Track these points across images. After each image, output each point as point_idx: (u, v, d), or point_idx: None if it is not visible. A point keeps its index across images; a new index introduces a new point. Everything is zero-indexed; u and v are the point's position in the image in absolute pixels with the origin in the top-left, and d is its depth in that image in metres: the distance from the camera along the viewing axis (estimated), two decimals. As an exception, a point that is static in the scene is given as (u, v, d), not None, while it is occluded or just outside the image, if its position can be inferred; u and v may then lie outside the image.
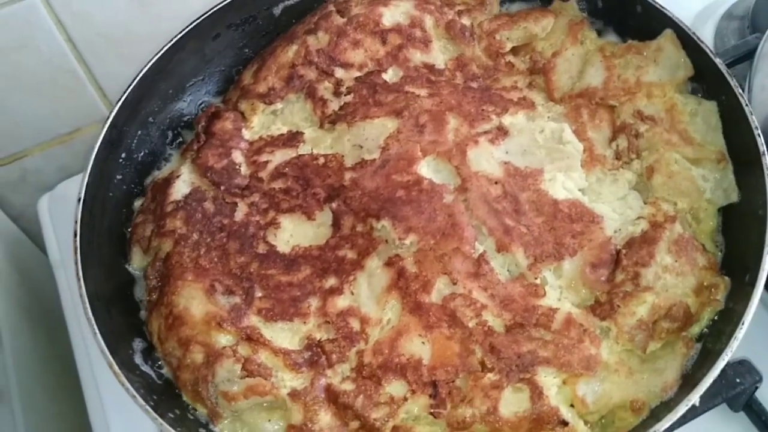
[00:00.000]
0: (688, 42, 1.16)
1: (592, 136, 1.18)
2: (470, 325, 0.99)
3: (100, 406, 1.17)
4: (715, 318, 0.99)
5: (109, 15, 1.33)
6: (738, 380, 1.00)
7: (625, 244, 1.05)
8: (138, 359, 1.01)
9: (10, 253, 1.36)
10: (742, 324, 0.91)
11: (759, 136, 1.04)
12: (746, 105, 1.06)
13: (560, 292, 1.03)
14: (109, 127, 1.12)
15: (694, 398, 0.88)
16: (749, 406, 1.07)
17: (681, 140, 1.13)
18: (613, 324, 0.98)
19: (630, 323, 0.98)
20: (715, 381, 0.89)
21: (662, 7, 1.19)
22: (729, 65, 1.20)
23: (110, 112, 1.13)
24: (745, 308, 0.93)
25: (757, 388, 1.03)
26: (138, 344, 1.03)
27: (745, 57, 1.29)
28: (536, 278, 1.03)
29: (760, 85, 1.19)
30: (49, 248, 1.36)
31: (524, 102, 1.22)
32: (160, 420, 0.87)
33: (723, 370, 0.90)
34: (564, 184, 1.12)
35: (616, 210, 1.10)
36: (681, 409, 0.87)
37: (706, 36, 1.50)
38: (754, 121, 1.04)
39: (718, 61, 1.11)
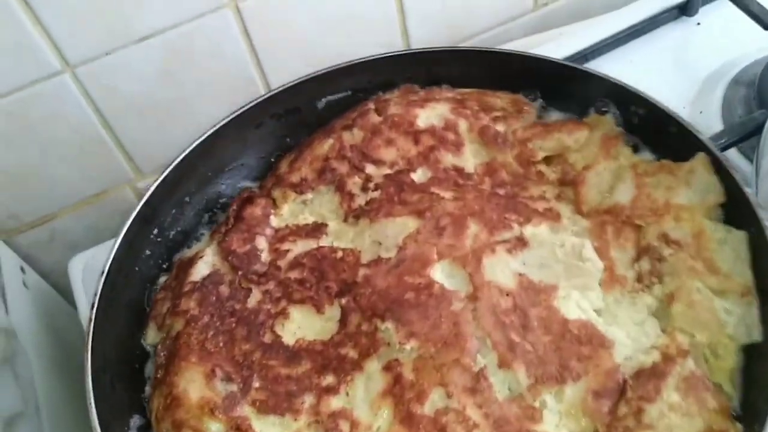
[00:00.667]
0: (718, 167, 1.09)
1: (614, 256, 1.10)
2: (459, 443, 0.92)
3: None
4: (726, 467, 0.88)
5: (135, 85, 1.37)
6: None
7: (633, 374, 0.96)
8: (133, 434, 0.98)
9: (42, 309, 1.38)
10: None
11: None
12: (774, 241, 0.98)
13: (559, 418, 0.95)
14: (144, 204, 1.13)
15: None
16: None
17: (706, 269, 1.04)
18: (610, 461, 0.89)
19: (628, 463, 0.89)
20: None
21: (695, 130, 1.12)
22: (736, 143, 1.14)
23: (147, 191, 1.14)
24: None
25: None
26: (136, 421, 1.00)
27: (751, 134, 1.22)
28: (535, 401, 0.95)
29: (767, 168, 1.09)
30: (79, 306, 1.36)
31: (550, 213, 1.16)
32: None
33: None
34: (579, 303, 1.05)
35: (631, 335, 1.01)
36: None
37: (714, 103, 1.43)
38: (779, 259, 0.95)
39: (747, 191, 1.03)
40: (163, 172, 1.17)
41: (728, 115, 1.41)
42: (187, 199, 1.23)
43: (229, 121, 1.24)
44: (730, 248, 1.05)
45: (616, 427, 0.91)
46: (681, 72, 1.15)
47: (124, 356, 1.06)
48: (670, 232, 1.08)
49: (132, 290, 1.12)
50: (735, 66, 1.50)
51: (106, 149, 1.43)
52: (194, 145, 1.20)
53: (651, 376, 0.94)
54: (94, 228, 1.52)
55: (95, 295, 1.03)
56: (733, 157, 1.36)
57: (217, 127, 1.23)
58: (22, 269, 1.39)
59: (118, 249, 1.08)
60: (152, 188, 1.15)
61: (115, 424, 0.96)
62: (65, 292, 1.51)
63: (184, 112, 1.38)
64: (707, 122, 1.41)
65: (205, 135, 1.22)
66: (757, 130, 1.21)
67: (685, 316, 1.01)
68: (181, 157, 1.19)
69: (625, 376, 0.96)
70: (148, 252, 1.17)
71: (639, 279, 1.07)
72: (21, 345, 1.14)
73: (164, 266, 1.19)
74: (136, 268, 1.14)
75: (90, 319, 1.01)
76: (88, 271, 1.38)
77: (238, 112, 1.25)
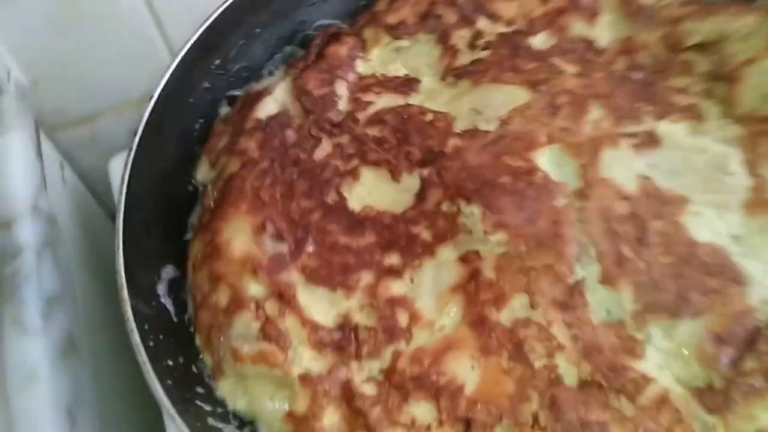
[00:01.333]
0: None
1: (766, 174, 0.84)
2: (536, 364, 0.72)
3: None
4: None
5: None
6: None
7: (770, 323, 0.73)
8: (161, 288, 0.82)
9: (77, 207, 1.21)
10: None
11: None
12: None
13: (665, 358, 0.73)
14: (207, 27, 0.91)
15: None
16: None
17: None
18: (722, 423, 0.67)
19: (745, 429, 0.67)
20: None
21: None
22: None
23: (212, 12, 0.92)
24: None
25: None
26: (168, 272, 0.84)
27: None
28: (639, 332, 0.74)
29: None
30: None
31: (692, 111, 0.89)
32: (148, 365, 0.69)
33: None
34: (713, 225, 0.80)
35: (772, 275, 0.78)
36: None
37: None
38: None
39: None
40: (229, -5, 0.94)
41: None
42: (257, 30, 1.00)
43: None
44: None
45: (738, 383, 0.69)
46: None
47: (166, 197, 0.88)
48: None
49: (184, 125, 0.93)
50: None
51: (158, 53, 1.21)
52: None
53: (795, 330, 0.71)
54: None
55: (140, 121, 0.84)
56: None
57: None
58: (62, 165, 1.24)
59: (172, 73, 0.88)
60: (219, 10, 0.92)
61: (143, 272, 0.80)
62: (101, 195, 1.35)
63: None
64: None
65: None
66: None
67: None
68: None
69: (760, 323, 0.73)
70: (206, 84, 0.96)
71: (795, 208, 0.82)
72: (61, 232, 1.01)
73: (223, 103, 0.99)
74: (191, 100, 0.94)
75: (131, 149, 0.83)
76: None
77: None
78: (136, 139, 0.83)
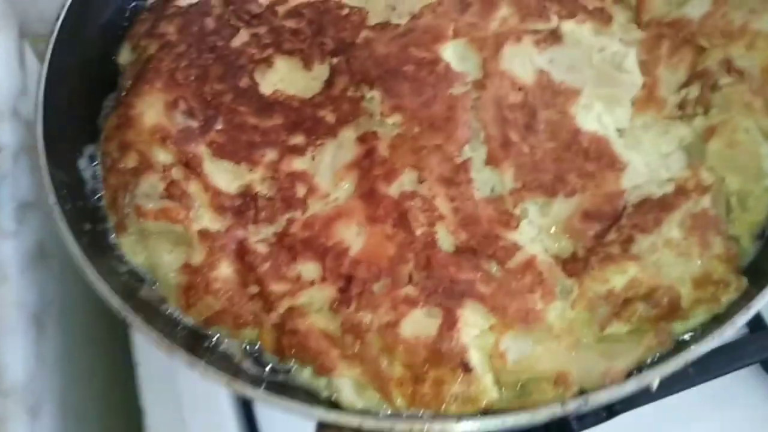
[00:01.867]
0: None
1: (661, 74, 0.92)
2: (417, 231, 0.82)
3: None
4: (707, 323, 0.76)
5: None
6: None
7: (637, 203, 0.83)
8: (82, 163, 0.90)
9: None
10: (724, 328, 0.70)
11: None
12: None
13: (537, 232, 0.83)
14: None
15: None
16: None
17: (765, 108, 0.86)
18: (577, 285, 0.78)
19: (597, 291, 0.77)
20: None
21: None
22: None
23: None
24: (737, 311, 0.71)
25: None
26: (90, 149, 0.92)
27: None
28: (516, 207, 0.83)
29: None
30: None
31: (600, 14, 0.97)
32: (63, 222, 0.78)
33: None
34: (600, 117, 0.89)
35: (650, 165, 0.86)
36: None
37: None
38: None
39: None
40: None
41: None
42: None
43: None
44: (803, 90, 0.86)
45: (597, 252, 0.79)
46: None
47: (89, 79, 0.97)
48: (737, 60, 0.89)
49: (110, 13, 1.01)
50: None
51: None
52: None
53: (656, 206, 0.81)
54: None
55: (63, 6, 0.92)
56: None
57: None
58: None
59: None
60: None
61: (65, 145, 0.89)
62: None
63: None
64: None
65: None
66: None
67: (722, 155, 0.85)
68: None
69: (627, 203, 0.83)
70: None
71: (681, 106, 0.90)
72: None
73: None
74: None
75: (54, 30, 0.91)
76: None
77: None
78: (59, 22, 0.90)
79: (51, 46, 0.91)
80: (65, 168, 0.86)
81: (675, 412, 0.90)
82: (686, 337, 0.76)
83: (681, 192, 0.81)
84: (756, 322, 0.94)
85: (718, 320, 0.74)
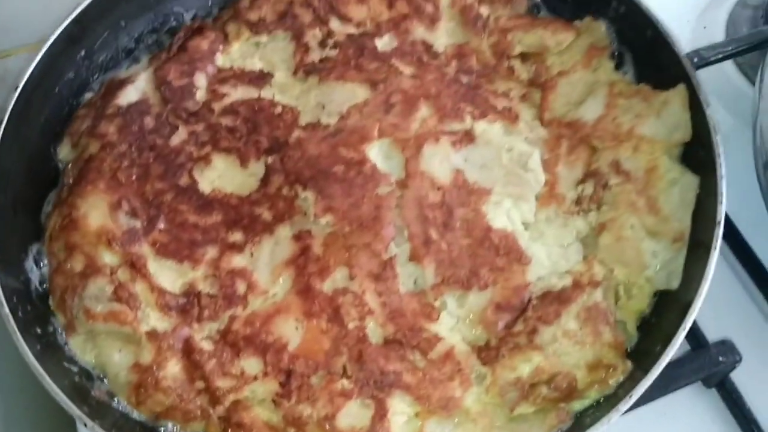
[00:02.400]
0: (695, 103, 1.05)
1: (560, 172, 1.09)
2: (350, 326, 0.94)
3: None
4: (601, 401, 0.92)
5: None
6: (720, 359, 1.01)
7: (541, 295, 0.98)
8: (29, 264, 0.98)
9: None
10: (611, 414, 0.85)
11: (718, 224, 0.95)
12: (722, 194, 0.97)
13: (456, 321, 0.98)
14: (72, 21, 1.07)
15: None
16: (722, 384, 1.05)
17: (647, 206, 1.03)
18: (491, 372, 0.93)
19: (507, 378, 0.92)
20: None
21: (670, 38, 1.08)
22: (740, 53, 1.17)
23: (77, 5, 1.07)
24: (625, 395, 0.87)
25: (734, 368, 1.03)
26: (34, 248, 1.00)
27: (756, 47, 1.19)
28: (436, 300, 0.97)
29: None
30: None
31: (508, 113, 1.13)
32: (18, 335, 0.86)
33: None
34: (509, 213, 1.05)
35: (552, 257, 1.03)
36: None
37: (719, 22, 1.42)
38: (721, 213, 0.95)
39: (716, 139, 1.00)
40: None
41: (733, 32, 1.39)
42: (122, 23, 1.17)
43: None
44: (679, 191, 1.04)
45: (507, 341, 0.94)
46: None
47: (31, 178, 1.04)
48: (624, 162, 1.07)
49: (50, 111, 1.09)
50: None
51: None
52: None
53: (555, 299, 0.96)
54: None
55: (4, 111, 0.99)
56: (732, 75, 1.34)
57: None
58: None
59: (36, 65, 1.03)
60: (84, 4, 1.08)
61: (12, 248, 0.97)
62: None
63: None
64: (710, 38, 1.36)
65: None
66: (762, 44, 1.17)
67: (611, 249, 1.02)
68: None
69: (532, 295, 0.98)
70: (71, 75, 1.12)
71: (578, 202, 1.07)
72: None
73: (87, 90, 1.15)
74: (56, 90, 1.10)
75: (-2, 132, 0.98)
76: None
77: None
78: (2, 127, 0.98)
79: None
80: (14, 273, 0.94)
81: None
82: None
83: (577, 286, 0.97)
84: (696, 341, 1.05)
85: (609, 401, 0.91)
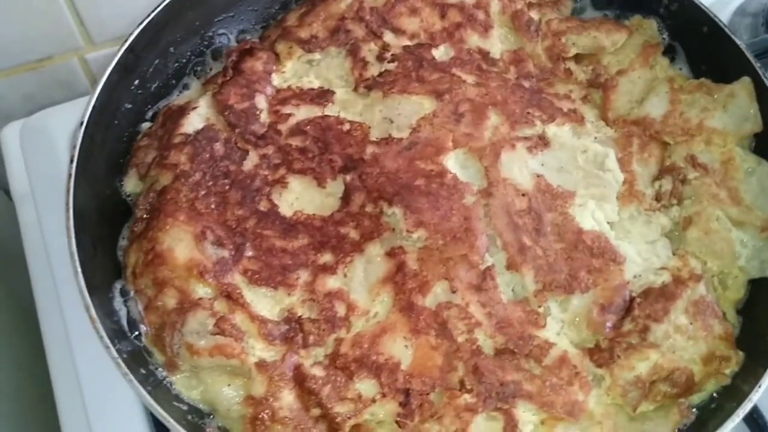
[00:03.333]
0: (762, 93, 1.13)
1: (636, 170, 1.16)
2: (459, 339, 0.98)
3: (70, 363, 1.15)
4: (719, 392, 0.98)
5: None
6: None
7: (641, 292, 1.04)
8: (117, 304, 1.00)
9: None
10: (744, 405, 0.90)
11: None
12: (807, 178, 1.04)
13: (561, 326, 1.02)
14: (126, 50, 1.09)
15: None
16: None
17: (729, 198, 1.10)
18: (609, 374, 0.98)
19: (626, 378, 0.97)
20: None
21: (731, 33, 1.16)
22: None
23: (129, 35, 1.10)
24: (751, 390, 0.92)
25: None
26: (119, 286, 1.02)
27: (761, 55, 1.26)
28: (540, 307, 1.02)
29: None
30: (12, 181, 1.34)
31: (574, 115, 1.19)
32: (131, 376, 0.87)
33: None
34: (593, 214, 1.10)
35: (642, 254, 1.08)
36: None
37: None
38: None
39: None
40: (149, 14, 1.12)
41: None
42: (172, 49, 1.20)
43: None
44: (757, 180, 1.11)
45: (618, 342, 0.99)
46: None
47: (104, 214, 1.05)
48: (699, 155, 1.14)
49: (111, 144, 1.10)
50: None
51: (57, 8, 1.33)
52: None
53: (660, 296, 1.02)
54: (31, 98, 1.45)
55: (74, 147, 1.00)
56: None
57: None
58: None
59: (97, 99, 1.05)
60: (135, 32, 1.10)
61: (102, 290, 0.98)
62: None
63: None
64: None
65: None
66: (766, 53, 1.27)
67: (700, 242, 1.08)
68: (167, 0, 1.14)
69: (633, 293, 1.04)
70: (128, 105, 1.14)
71: (657, 197, 1.13)
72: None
73: (145, 120, 1.17)
74: (116, 122, 1.11)
75: (69, 175, 0.99)
76: (30, 135, 1.33)
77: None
78: (73, 166, 0.99)
79: (71, 193, 0.99)
80: (109, 314, 0.95)
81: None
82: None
83: (678, 281, 1.03)
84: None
85: (727, 392, 0.97)
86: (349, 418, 0.93)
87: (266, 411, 0.92)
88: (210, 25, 1.25)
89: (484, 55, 1.25)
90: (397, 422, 0.93)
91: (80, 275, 0.92)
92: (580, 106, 1.22)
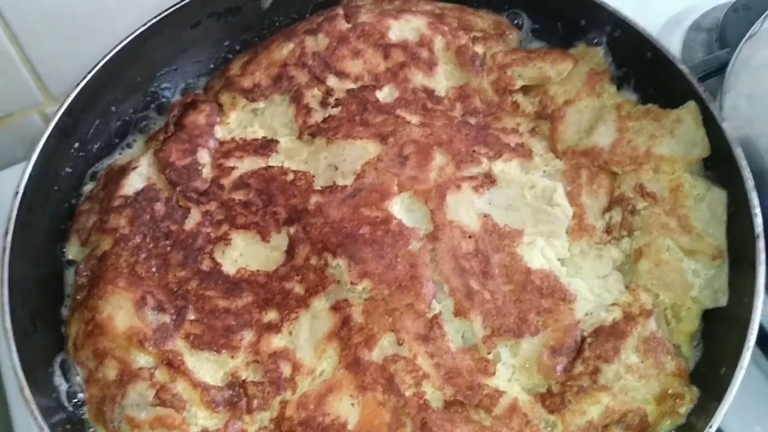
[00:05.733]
0: (707, 117, 1.09)
1: (585, 203, 1.11)
2: (407, 393, 0.94)
3: None
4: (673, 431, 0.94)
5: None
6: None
7: (592, 331, 0.99)
8: (57, 379, 0.96)
9: None
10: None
11: (758, 237, 0.97)
12: (756, 206, 1.00)
13: (513, 372, 0.98)
14: (63, 114, 1.06)
15: None
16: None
17: (679, 226, 1.06)
18: (560, 420, 0.93)
19: (578, 423, 0.93)
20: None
21: (671, 56, 1.12)
22: (699, 80, 1.15)
23: (66, 98, 1.07)
24: (704, 427, 0.88)
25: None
26: (60, 359, 0.98)
27: (714, 72, 1.23)
28: (489, 353, 0.97)
29: (731, 104, 1.12)
30: None
31: (521, 149, 1.15)
32: None
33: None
34: (543, 251, 1.06)
35: (593, 290, 1.04)
36: None
37: (674, 47, 1.48)
38: (759, 225, 0.98)
39: (737, 151, 1.04)
40: (85, 76, 1.09)
41: (688, 58, 1.44)
42: (113, 108, 1.17)
43: (162, 18, 1.16)
44: (708, 207, 1.07)
45: (570, 386, 0.95)
46: (641, 16, 1.19)
47: (44, 286, 1.02)
48: (647, 184, 1.10)
49: (52, 211, 1.07)
50: (695, 11, 1.54)
51: (12, 66, 1.30)
52: (122, 44, 1.12)
53: (610, 334, 0.97)
54: None
55: (9, 220, 0.97)
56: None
57: (149, 24, 1.15)
58: None
59: (33, 167, 1.02)
60: (72, 95, 1.08)
61: (39, 366, 0.94)
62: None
63: (104, 24, 1.24)
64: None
65: (136, 33, 1.13)
66: (720, 70, 1.22)
67: (652, 274, 1.04)
68: (106, 58, 1.11)
69: (585, 333, 0.99)
70: (68, 169, 1.11)
71: (608, 230, 1.09)
72: None
73: (86, 183, 1.14)
74: (55, 187, 1.08)
75: (3, 249, 0.95)
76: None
77: (172, 9, 1.16)
78: (8, 238, 0.95)
79: (5, 268, 0.95)
80: (47, 392, 0.91)
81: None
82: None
83: (629, 317, 0.98)
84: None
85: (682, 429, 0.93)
86: (295, 485, 0.89)
87: (210, 483, 0.88)
88: (152, 80, 1.22)
89: (429, 93, 1.21)
90: (344, 488, 0.89)
91: (14, 354, 0.89)
92: (528, 140, 1.18)
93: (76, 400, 0.95)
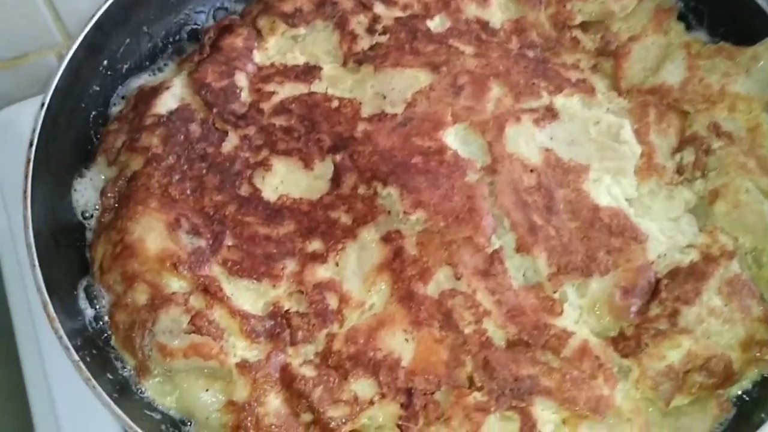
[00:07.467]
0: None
1: (654, 141, 1.03)
2: (466, 331, 0.85)
3: (41, 374, 1.02)
4: (760, 380, 0.86)
5: None
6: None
7: (668, 273, 0.91)
8: (82, 302, 0.87)
9: None
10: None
11: None
12: None
13: (580, 313, 0.89)
14: (92, 28, 0.97)
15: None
16: None
17: (758, 167, 0.97)
18: (636, 365, 0.85)
19: (657, 368, 0.84)
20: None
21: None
22: None
23: (97, 10, 0.98)
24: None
25: None
26: (85, 283, 0.89)
27: None
28: (555, 292, 0.89)
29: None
30: None
31: (583, 85, 1.07)
32: (93, 382, 0.75)
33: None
34: (609, 189, 0.98)
35: (665, 232, 0.96)
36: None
37: None
38: None
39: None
40: (118, -12, 1.00)
41: None
42: (145, 28, 1.08)
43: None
44: (789, 148, 0.99)
45: (646, 328, 0.86)
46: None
47: (68, 205, 0.93)
48: (722, 123, 1.01)
49: (78, 129, 0.98)
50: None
51: (32, 3, 1.21)
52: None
53: (689, 276, 0.89)
54: (7, 97, 1.32)
55: (34, 131, 0.88)
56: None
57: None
58: None
59: (60, 79, 0.93)
60: (102, 9, 0.98)
61: (64, 286, 0.86)
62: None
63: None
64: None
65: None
66: None
67: (729, 216, 0.95)
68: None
69: (659, 274, 0.91)
70: (96, 87, 1.01)
71: (679, 171, 1.01)
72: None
73: (114, 104, 1.05)
74: (82, 105, 0.99)
75: (28, 160, 0.87)
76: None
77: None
78: (32, 150, 0.87)
79: (29, 179, 0.87)
80: (71, 314, 0.82)
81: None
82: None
83: (709, 259, 0.90)
84: None
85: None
86: (344, 423, 0.80)
87: (250, 418, 0.79)
88: (186, 2, 1.12)
89: (483, 25, 1.12)
90: (398, 426, 0.80)
91: (37, 268, 0.80)
92: (589, 76, 1.09)
93: (102, 324, 0.86)
